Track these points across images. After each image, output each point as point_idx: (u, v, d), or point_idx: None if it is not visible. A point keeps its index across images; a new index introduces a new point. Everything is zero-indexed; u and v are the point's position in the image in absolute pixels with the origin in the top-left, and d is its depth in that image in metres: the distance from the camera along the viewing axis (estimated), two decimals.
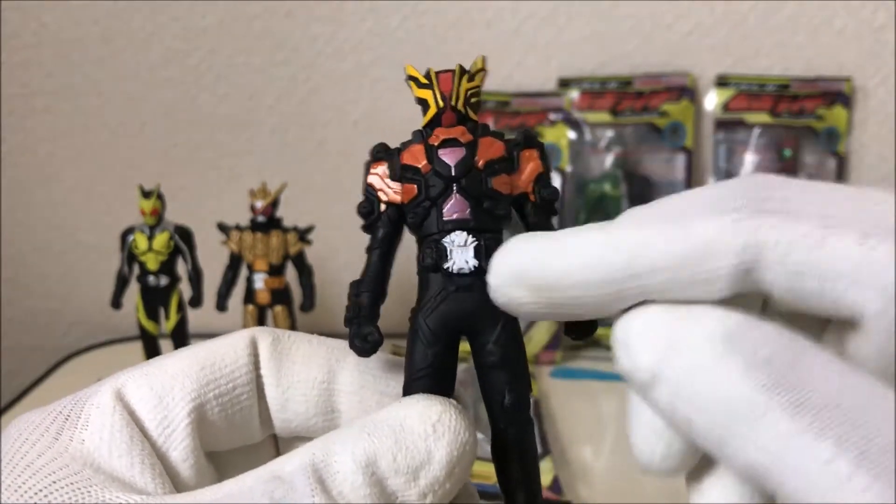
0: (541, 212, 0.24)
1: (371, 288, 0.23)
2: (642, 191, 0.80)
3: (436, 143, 0.23)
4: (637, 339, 0.19)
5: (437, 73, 0.24)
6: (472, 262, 0.23)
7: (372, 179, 0.24)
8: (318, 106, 0.85)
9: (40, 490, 0.19)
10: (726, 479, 0.20)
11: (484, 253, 0.23)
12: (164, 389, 0.23)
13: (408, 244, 0.25)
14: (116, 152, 0.88)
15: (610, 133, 0.81)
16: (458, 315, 0.23)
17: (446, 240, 0.23)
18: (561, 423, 0.66)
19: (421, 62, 0.83)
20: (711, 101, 0.81)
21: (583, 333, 0.23)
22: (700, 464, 0.21)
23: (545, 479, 0.56)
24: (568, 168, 0.79)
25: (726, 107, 0.80)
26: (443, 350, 0.23)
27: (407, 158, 0.24)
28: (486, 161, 0.23)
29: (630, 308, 0.20)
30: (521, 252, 0.21)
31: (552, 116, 0.80)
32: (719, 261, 0.19)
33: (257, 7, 0.83)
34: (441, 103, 0.24)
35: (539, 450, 0.61)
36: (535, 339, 0.77)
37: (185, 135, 0.87)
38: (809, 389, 0.17)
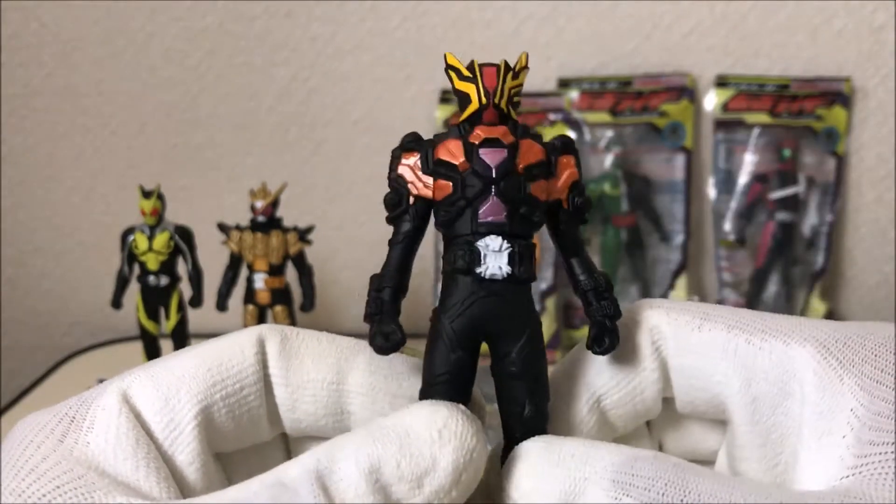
0: (572, 220, 0.24)
1: (393, 283, 0.23)
2: (642, 191, 0.80)
3: (477, 142, 0.22)
4: (536, 498, 0.21)
5: (482, 66, 0.23)
6: (506, 269, 0.22)
7: (402, 171, 0.23)
8: (318, 106, 0.85)
9: (44, 495, 0.19)
10: None
11: (518, 260, 0.22)
12: (171, 391, 0.22)
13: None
14: (116, 152, 0.88)
15: (609, 133, 0.81)
16: (485, 321, 0.22)
17: (480, 243, 0.22)
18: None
19: (421, 62, 0.83)
20: (711, 101, 0.81)
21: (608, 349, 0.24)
22: None
23: None
24: None
25: (726, 107, 0.80)
26: (465, 355, 0.22)
27: (442, 153, 0.23)
28: (526, 165, 0.23)
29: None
30: None
31: (552, 116, 0.80)
32: (643, 351, 0.25)
33: (257, 7, 0.83)
34: (484, 100, 0.22)
35: None
36: None
37: (185, 135, 0.87)
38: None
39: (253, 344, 0.24)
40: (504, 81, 0.23)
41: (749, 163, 0.80)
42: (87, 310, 0.92)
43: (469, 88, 0.23)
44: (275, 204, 0.68)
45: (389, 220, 0.23)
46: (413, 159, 0.23)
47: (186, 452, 0.22)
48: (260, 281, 0.68)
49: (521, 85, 0.23)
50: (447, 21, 0.82)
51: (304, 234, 0.69)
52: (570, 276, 0.24)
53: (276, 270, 0.68)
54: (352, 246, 0.86)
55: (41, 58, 0.86)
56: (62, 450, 0.21)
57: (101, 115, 0.87)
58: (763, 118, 0.79)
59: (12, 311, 0.93)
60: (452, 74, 0.23)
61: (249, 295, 0.69)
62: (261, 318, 0.69)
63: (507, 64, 0.23)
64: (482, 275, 0.22)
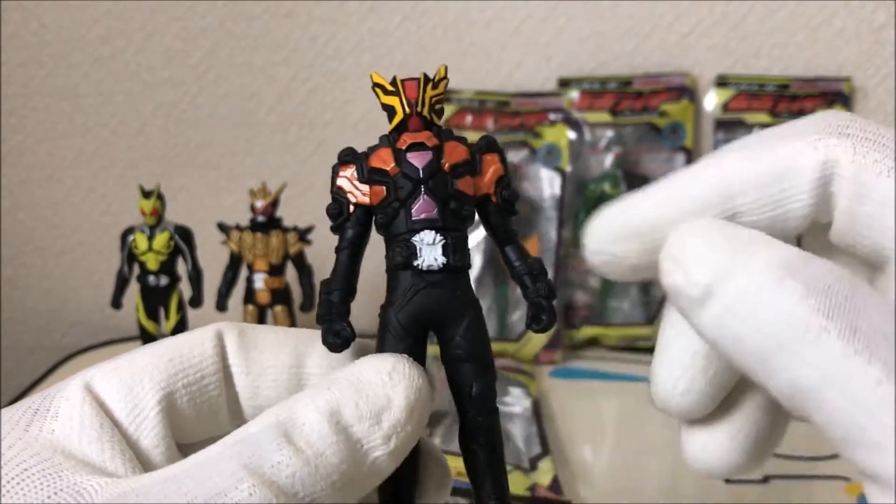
0: (502, 212, 0.25)
1: (341, 286, 0.25)
2: None
3: (403, 147, 0.24)
4: (694, 255, 0.20)
5: (403, 80, 0.25)
6: (441, 260, 0.24)
7: (341, 182, 0.25)
8: (318, 106, 0.85)
9: (13, 478, 0.20)
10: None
11: (451, 251, 0.24)
12: (134, 380, 0.23)
13: (373, 245, 0.26)
14: (116, 152, 0.88)
15: (610, 133, 0.81)
16: (427, 310, 0.24)
17: (415, 238, 0.24)
18: (561, 423, 0.66)
19: (421, 62, 0.84)
20: (711, 101, 0.81)
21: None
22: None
23: (545, 478, 0.56)
24: (567, 168, 0.79)
25: (726, 107, 0.80)
26: (413, 344, 0.24)
27: (375, 161, 0.25)
28: (452, 164, 0.24)
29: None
30: (617, 210, 0.22)
31: (552, 116, 0.80)
32: (803, 175, 0.21)
33: (257, 7, 0.83)
34: (408, 110, 0.25)
35: (539, 450, 0.62)
36: (535, 339, 0.77)
37: (185, 135, 0.87)
38: (865, 317, 0.18)
39: (211, 338, 0.24)
40: (424, 91, 0.25)
41: None
42: (87, 310, 0.92)
43: (393, 101, 0.25)
44: (275, 204, 0.68)
45: (333, 230, 0.25)
46: (350, 171, 0.25)
47: (151, 437, 0.23)
48: (260, 281, 0.68)
49: (441, 94, 0.25)
50: (447, 21, 0.82)
51: (304, 234, 0.69)
52: (506, 263, 0.25)
53: (275, 270, 0.68)
54: None
55: (41, 58, 0.86)
56: (27, 437, 0.21)
57: (101, 115, 0.87)
58: (763, 118, 0.79)
59: (12, 311, 0.93)
60: (378, 91, 0.25)
61: (249, 295, 0.69)
62: (261, 318, 0.69)
63: (426, 76, 0.25)
64: (420, 267, 0.24)
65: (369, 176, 0.25)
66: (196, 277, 0.67)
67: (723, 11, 0.80)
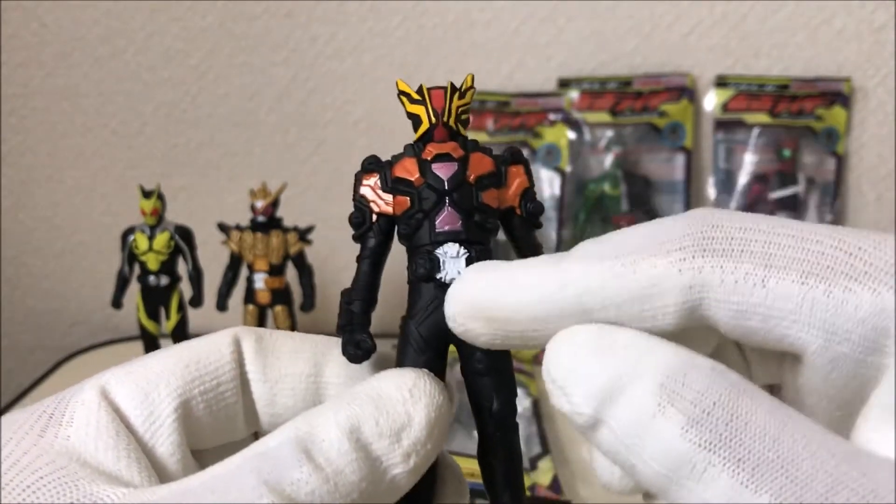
0: (526, 225, 0.25)
1: (363, 296, 0.25)
2: (642, 191, 0.80)
3: (429, 158, 0.24)
4: (573, 379, 0.20)
5: (430, 89, 0.25)
6: None
7: (364, 191, 0.25)
8: (318, 106, 0.85)
9: (28, 487, 0.19)
10: None
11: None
12: (150, 386, 0.23)
13: (395, 254, 0.25)
14: (116, 152, 0.88)
15: (609, 133, 0.81)
16: (447, 324, 0.23)
17: (439, 251, 0.23)
18: (561, 423, 0.66)
19: (421, 63, 0.83)
20: (711, 101, 0.81)
21: None
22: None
23: (545, 478, 0.56)
24: (567, 168, 0.79)
25: (725, 107, 0.80)
26: (433, 357, 0.24)
27: (399, 171, 0.24)
28: (477, 176, 0.24)
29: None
30: (475, 285, 0.21)
31: (552, 116, 0.80)
32: (666, 299, 0.20)
33: (257, 7, 0.83)
34: (434, 119, 0.24)
35: (539, 449, 0.62)
36: None
37: (185, 135, 0.87)
38: (747, 445, 0.17)
39: (229, 343, 0.24)
40: (451, 101, 0.24)
41: (749, 163, 0.80)
42: (87, 310, 0.92)
43: (419, 110, 0.25)
44: (275, 204, 0.68)
45: (356, 238, 0.25)
46: (373, 179, 0.25)
47: (167, 444, 0.22)
48: (260, 281, 0.68)
49: (468, 104, 0.25)
50: (447, 21, 0.82)
51: (304, 234, 0.69)
52: None
53: (276, 270, 0.68)
54: (352, 246, 0.86)
55: (41, 58, 0.86)
56: (42, 444, 0.21)
57: (101, 115, 0.87)
58: (763, 118, 0.79)
59: (12, 311, 0.93)
60: (404, 99, 0.25)
61: (249, 295, 0.69)
62: (261, 318, 0.69)
63: (453, 85, 0.25)
64: (443, 280, 0.23)
65: (393, 185, 0.24)
66: (196, 277, 0.67)
67: (723, 11, 0.80)
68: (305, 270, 0.69)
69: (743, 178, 0.80)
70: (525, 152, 0.78)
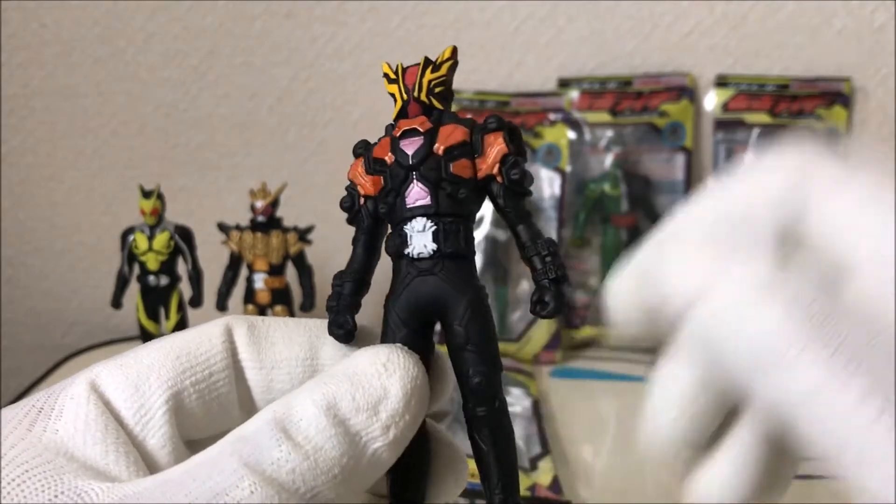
0: (510, 193, 0.24)
1: (353, 278, 0.24)
2: (642, 191, 0.80)
3: (397, 134, 0.24)
4: (683, 264, 0.21)
5: (406, 67, 0.25)
6: (431, 246, 0.23)
7: (352, 175, 0.25)
8: (318, 106, 0.85)
9: (12, 480, 0.19)
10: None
11: (443, 237, 0.23)
12: (140, 378, 0.23)
13: None
14: (116, 152, 0.88)
15: (609, 133, 0.81)
16: (422, 298, 0.23)
17: (407, 227, 0.23)
18: (561, 423, 0.66)
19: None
20: (711, 101, 0.81)
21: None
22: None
23: (545, 478, 0.56)
24: (567, 168, 0.79)
25: (726, 107, 0.80)
26: (410, 334, 0.23)
27: (377, 152, 0.24)
28: (446, 147, 0.24)
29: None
30: (633, 277, 0.23)
31: (552, 116, 0.80)
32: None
33: (257, 7, 0.83)
34: (405, 96, 0.24)
35: (539, 450, 0.62)
36: (535, 339, 0.77)
37: (185, 135, 0.87)
38: (844, 336, 0.18)
39: (220, 333, 0.24)
40: (423, 76, 0.24)
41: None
42: (87, 310, 0.91)
43: (394, 89, 0.25)
44: (275, 204, 0.68)
45: (349, 222, 0.25)
46: (361, 163, 0.25)
47: (158, 437, 0.22)
48: (260, 281, 0.68)
49: (443, 76, 0.24)
50: (447, 21, 0.82)
51: (304, 234, 0.69)
52: (517, 244, 0.24)
53: (275, 270, 0.68)
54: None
55: (41, 58, 0.86)
56: (31, 438, 0.21)
57: (101, 115, 0.87)
58: (763, 118, 0.79)
59: (12, 311, 0.93)
60: (385, 81, 0.25)
61: (249, 295, 0.69)
62: None
63: (427, 59, 0.25)
64: (411, 255, 0.23)
65: (374, 167, 0.24)
66: (196, 277, 0.67)
67: (723, 11, 0.80)
68: (305, 270, 0.69)
69: None
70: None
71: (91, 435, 0.21)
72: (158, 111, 0.86)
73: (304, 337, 0.25)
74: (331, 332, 0.24)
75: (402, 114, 0.25)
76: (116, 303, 0.69)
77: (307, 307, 0.70)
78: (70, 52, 0.85)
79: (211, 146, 0.87)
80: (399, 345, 0.23)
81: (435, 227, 0.23)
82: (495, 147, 0.24)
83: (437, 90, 0.24)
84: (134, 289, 0.67)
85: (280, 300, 0.69)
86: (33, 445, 0.21)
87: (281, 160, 0.86)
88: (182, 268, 0.67)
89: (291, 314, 0.70)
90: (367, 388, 0.21)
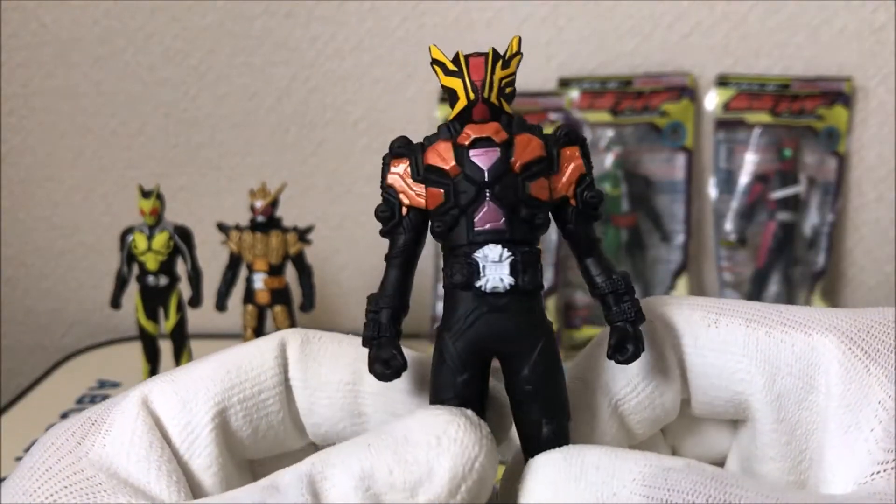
0: (582, 217, 0.21)
1: (391, 303, 0.21)
2: (642, 191, 0.80)
3: (466, 143, 0.20)
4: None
5: (468, 57, 0.21)
6: (508, 280, 0.20)
7: (392, 179, 0.21)
8: (318, 106, 0.85)
9: (51, 494, 0.20)
10: None
11: (521, 269, 0.20)
12: (188, 394, 0.22)
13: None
14: (116, 152, 0.88)
15: (610, 133, 0.81)
16: (490, 339, 0.20)
17: (478, 254, 0.20)
18: None
19: (421, 62, 0.83)
20: (711, 100, 0.81)
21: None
22: None
23: None
24: None
25: (726, 106, 0.80)
26: (471, 378, 0.21)
27: (432, 158, 0.21)
28: (524, 163, 0.20)
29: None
30: None
31: (552, 116, 0.80)
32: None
33: (257, 7, 0.83)
34: (472, 95, 0.20)
35: None
36: None
37: (185, 135, 0.87)
38: None
39: (273, 348, 0.23)
40: (493, 72, 0.21)
41: (750, 162, 0.80)
42: (86, 310, 0.91)
43: (456, 84, 0.21)
44: (274, 204, 0.68)
45: (384, 234, 0.22)
46: (403, 166, 0.21)
47: (203, 456, 0.22)
48: (259, 281, 0.68)
49: (512, 74, 0.21)
50: (447, 21, 0.82)
51: (304, 234, 0.69)
52: (586, 278, 0.22)
53: (275, 270, 0.68)
54: (352, 246, 0.86)
55: (41, 58, 0.86)
56: (78, 451, 0.21)
57: (101, 115, 0.87)
58: (764, 118, 0.79)
59: (12, 311, 0.93)
60: (438, 70, 0.21)
61: (249, 295, 0.69)
62: (260, 318, 0.69)
63: (495, 52, 0.21)
64: (483, 289, 0.20)
65: (425, 175, 0.21)
66: (195, 277, 0.67)
67: (723, 11, 0.80)
68: (305, 270, 0.69)
69: (744, 178, 0.80)
70: None
71: (135, 452, 0.21)
72: (158, 111, 0.86)
73: (351, 358, 0.23)
74: (372, 370, 0.20)
75: (466, 116, 0.21)
76: (116, 303, 0.69)
77: (307, 307, 0.70)
78: (70, 52, 0.85)
79: (210, 146, 0.87)
80: (465, 411, 0.20)
81: (512, 258, 0.20)
82: (572, 163, 0.21)
83: (506, 90, 0.21)
84: (133, 289, 0.67)
85: (279, 300, 0.69)
86: (79, 460, 0.21)
87: (281, 160, 0.86)
88: (181, 268, 0.67)
89: (291, 314, 0.69)
90: (410, 463, 0.19)
